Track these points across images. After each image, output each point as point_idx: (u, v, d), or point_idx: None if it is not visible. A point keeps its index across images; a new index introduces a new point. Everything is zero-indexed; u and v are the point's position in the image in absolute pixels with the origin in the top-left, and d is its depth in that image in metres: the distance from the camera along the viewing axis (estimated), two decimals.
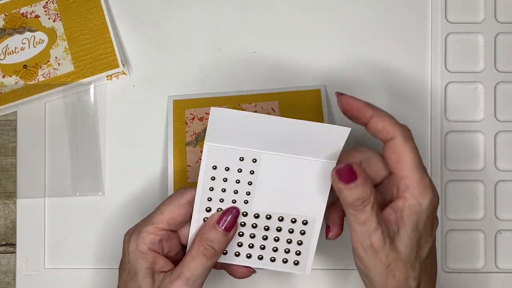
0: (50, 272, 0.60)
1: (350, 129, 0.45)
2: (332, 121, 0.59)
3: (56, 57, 0.59)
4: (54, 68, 0.59)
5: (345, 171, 0.45)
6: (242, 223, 0.50)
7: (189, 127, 0.59)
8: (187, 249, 0.50)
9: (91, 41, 0.59)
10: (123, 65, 0.59)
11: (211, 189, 0.49)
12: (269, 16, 0.61)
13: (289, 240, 0.51)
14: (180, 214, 0.49)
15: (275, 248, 0.51)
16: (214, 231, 0.48)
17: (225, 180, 0.49)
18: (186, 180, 0.58)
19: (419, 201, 0.46)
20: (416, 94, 0.60)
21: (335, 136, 0.46)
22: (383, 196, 0.48)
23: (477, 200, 0.60)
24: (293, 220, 0.50)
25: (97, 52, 0.59)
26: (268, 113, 0.59)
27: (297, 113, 0.58)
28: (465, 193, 0.60)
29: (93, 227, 0.60)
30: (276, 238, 0.51)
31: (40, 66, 0.59)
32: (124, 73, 0.60)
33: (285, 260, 0.51)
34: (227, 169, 0.49)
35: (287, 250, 0.51)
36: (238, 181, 0.49)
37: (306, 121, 0.46)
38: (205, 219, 0.50)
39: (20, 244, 0.60)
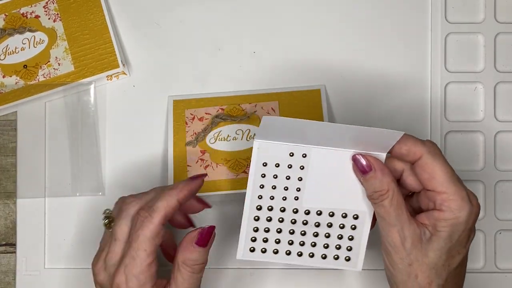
0: (50, 272, 0.60)
1: (403, 133, 0.46)
2: (332, 121, 0.59)
3: (56, 57, 0.59)
4: (54, 68, 0.59)
5: (360, 161, 0.47)
6: (293, 220, 0.50)
7: (189, 127, 0.59)
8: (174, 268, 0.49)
9: (91, 41, 0.59)
10: (123, 65, 0.60)
11: (262, 186, 0.50)
12: (269, 16, 0.61)
13: (340, 236, 0.51)
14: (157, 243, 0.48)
15: (326, 245, 0.51)
16: (196, 252, 0.48)
17: (275, 177, 0.50)
18: None
19: (456, 215, 0.45)
20: (416, 94, 0.60)
21: (386, 138, 0.47)
22: (421, 204, 0.49)
23: None
24: (344, 215, 0.50)
25: (97, 52, 0.59)
26: (268, 113, 0.59)
27: (297, 113, 0.58)
28: None
29: (93, 227, 0.60)
30: (327, 235, 0.51)
31: (40, 66, 0.59)
32: (124, 73, 0.60)
33: (336, 256, 0.51)
34: (277, 165, 0.50)
35: (338, 246, 0.51)
36: (288, 177, 0.50)
37: (357, 126, 0.46)
38: (256, 217, 0.50)
39: (20, 244, 0.60)
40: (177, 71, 0.61)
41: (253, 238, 0.51)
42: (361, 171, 0.48)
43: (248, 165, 0.57)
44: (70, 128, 0.60)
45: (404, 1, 0.61)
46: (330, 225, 0.51)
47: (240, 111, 0.59)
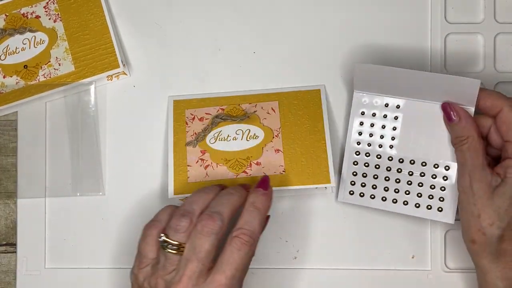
0: (51, 272, 0.60)
1: (480, 81, 0.51)
2: (331, 121, 0.59)
3: (56, 57, 0.59)
4: (54, 68, 0.59)
5: (447, 108, 0.53)
6: (388, 168, 0.56)
7: (189, 127, 0.59)
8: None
9: (91, 41, 0.60)
10: (124, 65, 0.60)
11: (360, 133, 0.56)
12: (269, 16, 0.61)
13: (432, 186, 0.55)
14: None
15: (419, 194, 0.55)
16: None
17: (372, 125, 0.56)
18: (186, 180, 0.58)
19: None
20: None
21: (467, 87, 0.52)
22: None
23: None
24: (436, 165, 0.55)
25: (97, 53, 0.59)
26: (268, 113, 0.59)
27: (297, 113, 0.58)
28: None
29: (93, 227, 0.60)
30: (420, 184, 0.55)
31: (41, 67, 0.59)
32: (125, 73, 0.60)
33: (429, 206, 0.55)
34: (373, 115, 0.56)
35: (430, 196, 0.55)
36: (383, 127, 0.56)
37: (441, 74, 0.52)
38: (355, 162, 0.56)
39: (21, 244, 0.60)
40: (177, 71, 0.61)
41: (352, 182, 0.57)
42: (448, 117, 0.53)
43: (248, 165, 0.57)
44: (70, 128, 0.60)
45: (404, 2, 0.61)
46: (423, 175, 0.55)
47: (240, 111, 0.59)
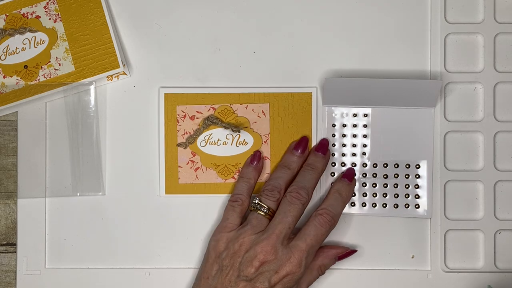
0: (51, 271, 0.60)
1: (442, 82, 0.56)
2: (320, 125, 0.59)
3: (56, 58, 0.60)
4: (54, 69, 0.59)
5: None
6: (364, 174, 0.58)
7: (180, 125, 0.59)
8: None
9: (91, 42, 0.60)
10: (124, 65, 0.60)
11: (333, 145, 0.58)
12: (269, 16, 0.61)
13: (407, 186, 0.58)
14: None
15: (396, 195, 0.58)
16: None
17: (343, 135, 0.58)
18: (177, 181, 0.58)
19: None
20: None
21: (429, 88, 0.56)
22: None
23: (477, 200, 0.60)
24: (407, 165, 0.58)
25: (97, 53, 0.59)
26: (258, 116, 0.59)
27: (286, 117, 0.59)
28: (465, 193, 0.60)
29: (93, 227, 0.60)
30: (395, 185, 0.58)
31: (41, 67, 0.59)
32: (125, 74, 0.60)
33: (407, 205, 0.58)
34: (344, 125, 0.58)
35: (407, 195, 0.58)
36: (355, 135, 0.58)
37: (404, 79, 0.57)
38: (332, 173, 0.59)
39: (21, 243, 0.60)
40: (178, 71, 0.61)
41: None
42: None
43: (237, 171, 0.58)
44: (70, 128, 0.60)
45: (403, 2, 0.61)
46: (396, 176, 0.58)
47: (231, 112, 0.59)
